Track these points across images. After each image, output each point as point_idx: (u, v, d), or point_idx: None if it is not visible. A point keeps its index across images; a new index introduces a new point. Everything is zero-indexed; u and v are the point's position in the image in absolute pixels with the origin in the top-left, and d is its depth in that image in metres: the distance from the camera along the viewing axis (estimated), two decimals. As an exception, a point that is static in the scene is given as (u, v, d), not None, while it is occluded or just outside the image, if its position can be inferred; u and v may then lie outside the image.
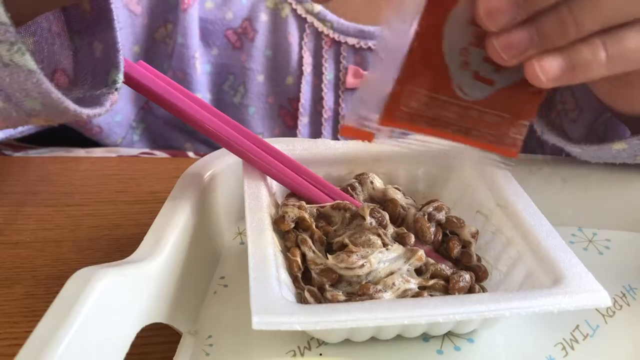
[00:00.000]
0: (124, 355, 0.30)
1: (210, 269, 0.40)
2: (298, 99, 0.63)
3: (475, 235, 0.37)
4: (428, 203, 0.38)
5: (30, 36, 0.32)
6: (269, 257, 0.32)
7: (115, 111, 0.62)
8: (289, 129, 0.65)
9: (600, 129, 0.46)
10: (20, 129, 0.56)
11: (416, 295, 0.33)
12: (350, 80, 0.62)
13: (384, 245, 0.34)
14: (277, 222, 0.36)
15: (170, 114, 0.37)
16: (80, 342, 0.26)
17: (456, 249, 0.36)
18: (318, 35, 0.61)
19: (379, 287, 0.32)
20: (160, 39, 0.62)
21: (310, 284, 0.34)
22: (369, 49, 0.61)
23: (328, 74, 0.62)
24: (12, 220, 0.47)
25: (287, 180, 0.38)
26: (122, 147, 0.64)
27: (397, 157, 0.42)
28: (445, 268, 0.34)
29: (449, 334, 0.34)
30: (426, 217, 0.37)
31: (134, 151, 0.60)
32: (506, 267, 0.36)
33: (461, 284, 0.33)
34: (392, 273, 0.33)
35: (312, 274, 0.34)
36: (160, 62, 0.62)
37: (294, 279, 0.34)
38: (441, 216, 0.37)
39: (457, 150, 0.40)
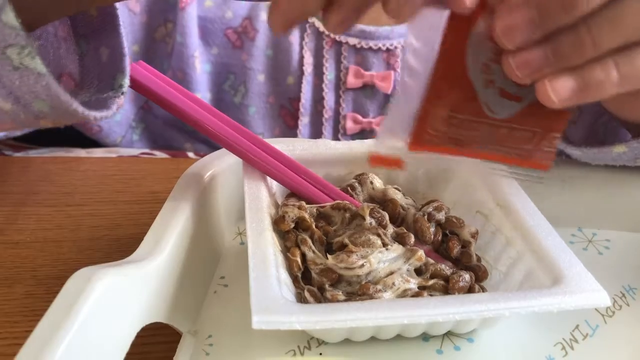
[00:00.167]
0: (124, 354, 0.30)
1: (211, 268, 0.40)
2: (299, 99, 0.63)
3: (475, 235, 0.37)
4: (428, 203, 0.38)
5: (35, 40, 0.32)
6: (269, 257, 0.32)
7: (115, 110, 0.62)
8: (290, 129, 0.65)
9: (600, 131, 0.46)
10: (21, 127, 0.56)
11: (416, 295, 0.33)
12: (351, 80, 0.62)
13: (384, 245, 0.34)
14: (277, 222, 0.36)
15: (170, 114, 0.37)
16: (81, 342, 0.26)
17: (456, 249, 0.36)
18: (319, 35, 0.61)
19: (379, 287, 0.32)
20: (160, 38, 0.62)
21: (310, 284, 0.34)
22: (370, 49, 0.61)
23: (329, 74, 0.62)
24: (13, 220, 0.47)
25: (287, 180, 0.38)
26: (122, 147, 0.64)
27: (397, 157, 0.42)
28: (445, 268, 0.35)
29: (449, 334, 0.35)
30: (426, 217, 0.37)
31: (134, 151, 0.60)
32: (506, 267, 0.36)
33: (461, 283, 0.33)
34: (391, 273, 0.33)
35: (312, 274, 0.34)
36: (160, 62, 0.62)
37: (294, 279, 0.34)
38: (441, 216, 0.37)
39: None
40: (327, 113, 0.63)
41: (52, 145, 0.60)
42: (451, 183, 0.42)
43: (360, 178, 0.40)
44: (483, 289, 0.35)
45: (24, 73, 0.28)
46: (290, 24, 0.29)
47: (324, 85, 0.62)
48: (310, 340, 0.34)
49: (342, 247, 0.35)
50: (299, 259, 0.34)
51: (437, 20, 0.29)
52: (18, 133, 0.57)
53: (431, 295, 0.33)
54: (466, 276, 0.34)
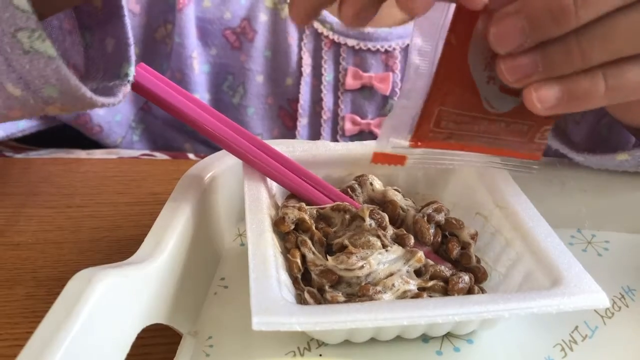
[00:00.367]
0: (124, 356, 0.30)
1: (211, 270, 0.40)
2: (297, 100, 0.63)
3: (474, 236, 0.37)
4: (427, 204, 0.38)
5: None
6: (269, 258, 0.32)
7: (115, 110, 0.62)
8: (288, 130, 0.65)
9: (603, 130, 0.46)
10: (21, 127, 0.57)
11: (415, 296, 0.33)
12: (349, 82, 0.62)
13: (384, 246, 0.34)
14: (277, 224, 0.36)
15: (170, 115, 0.37)
16: (81, 343, 0.26)
17: (455, 250, 0.36)
18: (318, 37, 0.62)
19: (379, 288, 0.33)
20: (160, 39, 0.62)
21: (310, 285, 0.34)
22: (369, 50, 0.61)
23: (327, 75, 0.62)
24: (14, 221, 0.47)
25: (287, 181, 0.38)
26: (122, 147, 0.64)
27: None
28: (445, 269, 0.35)
29: (449, 335, 0.35)
30: (425, 218, 0.37)
31: (135, 153, 0.60)
32: (505, 268, 0.36)
33: (460, 285, 0.34)
34: (391, 274, 0.34)
35: (312, 275, 0.34)
36: (159, 63, 0.62)
37: (294, 280, 0.34)
38: (440, 217, 0.37)
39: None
40: (326, 114, 0.63)
41: (53, 147, 0.60)
42: (451, 184, 0.42)
43: (360, 179, 0.40)
44: (482, 290, 0.35)
45: (34, 57, 0.28)
46: (309, 15, 0.30)
47: (322, 87, 0.62)
48: (310, 342, 0.34)
49: (342, 248, 0.35)
50: (299, 260, 0.34)
51: (441, 19, 0.30)
52: (19, 133, 0.57)
53: (431, 296, 0.33)
54: (466, 277, 0.34)
